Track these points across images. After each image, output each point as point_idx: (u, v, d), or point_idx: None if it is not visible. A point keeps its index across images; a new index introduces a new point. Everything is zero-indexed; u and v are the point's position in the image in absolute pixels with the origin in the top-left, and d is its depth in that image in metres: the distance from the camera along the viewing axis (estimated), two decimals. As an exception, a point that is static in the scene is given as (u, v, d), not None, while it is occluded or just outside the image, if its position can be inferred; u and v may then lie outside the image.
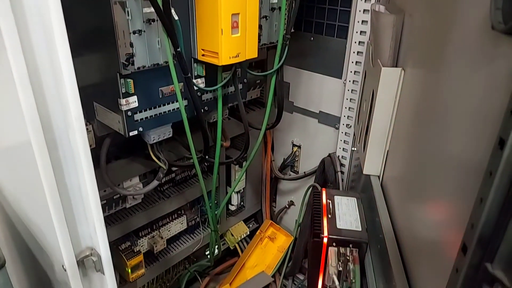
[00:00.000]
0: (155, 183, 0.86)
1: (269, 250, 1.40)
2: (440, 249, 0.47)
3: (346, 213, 0.74)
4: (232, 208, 1.32)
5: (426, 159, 0.56)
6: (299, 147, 1.31)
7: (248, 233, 1.40)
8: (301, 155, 1.32)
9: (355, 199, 0.78)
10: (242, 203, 1.34)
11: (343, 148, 1.11)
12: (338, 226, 0.71)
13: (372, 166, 0.78)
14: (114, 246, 1.01)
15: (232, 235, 1.36)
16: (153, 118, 0.74)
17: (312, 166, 1.27)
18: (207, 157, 0.86)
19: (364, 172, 0.79)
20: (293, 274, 1.41)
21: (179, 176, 1.14)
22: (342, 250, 0.69)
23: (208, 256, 1.31)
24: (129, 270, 1.01)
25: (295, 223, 1.38)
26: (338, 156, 1.13)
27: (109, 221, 0.99)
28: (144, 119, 0.73)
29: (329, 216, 0.73)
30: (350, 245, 0.68)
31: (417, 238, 0.57)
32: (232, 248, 1.37)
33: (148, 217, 1.06)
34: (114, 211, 1.00)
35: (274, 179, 1.42)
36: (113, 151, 0.94)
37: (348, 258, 0.69)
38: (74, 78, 0.45)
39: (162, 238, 1.12)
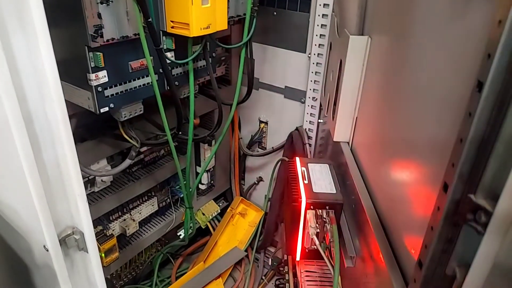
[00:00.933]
0: (127, 162, 0.84)
1: (240, 226, 1.43)
2: (414, 201, 0.51)
3: (320, 178, 0.77)
4: (202, 187, 1.32)
5: (395, 122, 0.60)
6: (266, 123, 1.33)
7: (219, 211, 1.42)
8: (268, 131, 1.34)
9: (327, 165, 0.81)
10: (212, 181, 1.34)
11: (310, 121, 1.15)
12: (314, 190, 0.74)
13: (341, 133, 0.82)
14: (85, 231, 0.98)
15: (203, 214, 1.37)
16: (124, 94, 0.72)
17: (279, 141, 1.30)
18: (180, 133, 0.85)
19: (335, 139, 0.83)
20: (265, 247, 1.45)
21: (148, 157, 1.12)
22: (319, 212, 0.72)
23: (181, 236, 1.31)
24: (103, 255, 0.99)
25: (265, 198, 1.42)
26: (305, 129, 1.16)
27: (78, 206, 0.95)
28: (114, 94, 0.70)
29: (305, 182, 0.76)
30: (327, 207, 0.72)
31: (389, 194, 0.61)
32: (203, 227, 1.38)
33: (118, 200, 1.04)
34: (83, 195, 0.96)
35: (243, 156, 1.44)
36: (78, 133, 0.90)
37: (325, 220, 0.73)
38: (50, 46, 0.42)
39: (134, 220, 1.11)
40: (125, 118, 0.76)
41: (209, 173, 1.30)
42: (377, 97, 0.70)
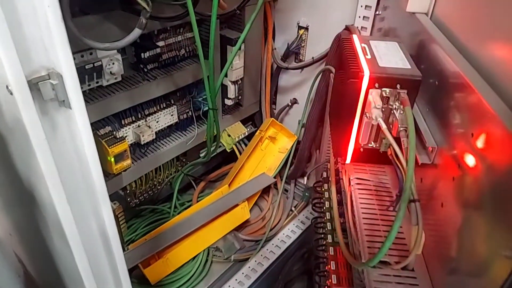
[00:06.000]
0: (136, 31, 0.67)
1: (269, 152, 1.27)
2: None
3: (388, 54, 0.57)
4: (229, 102, 1.15)
5: None
6: (306, 28, 1.12)
7: (246, 134, 1.26)
8: (308, 39, 1.13)
9: (396, 43, 0.61)
10: (239, 97, 1.17)
11: (364, 17, 0.93)
12: (381, 65, 0.54)
13: (419, -1, 0.61)
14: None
15: (229, 136, 1.21)
16: None
17: (321, 51, 1.09)
18: None
19: (408, 9, 0.62)
20: (295, 177, 1.30)
21: (166, 55, 0.95)
22: (385, 93, 0.53)
23: (201, 155, 1.17)
24: (112, 159, 0.85)
25: (298, 123, 1.24)
26: (358, 27, 0.94)
27: (83, 99, 0.81)
28: None
29: (367, 57, 0.56)
30: (398, 85, 0.52)
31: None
32: (229, 150, 1.23)
33: (131, 100, 0.89)
34: (88, 88, 0.81)
35: (275, 73, 1.25)
36: (78, 2, 0.73)
37: (391, 106, 0.54)
38: None
39: (149, 127, 0.96)
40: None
41: (236, 86, 1.12)
42: None
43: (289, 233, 1.16)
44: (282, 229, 1.18)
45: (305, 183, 1.27)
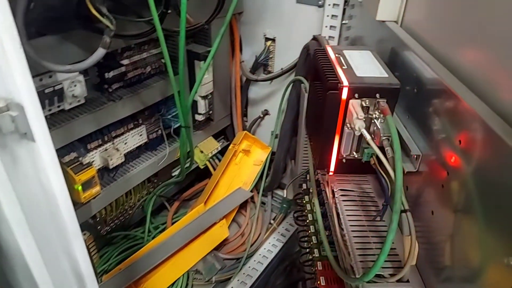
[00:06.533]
0: (100, 51, 0.63)
1: (244, 165, 1.24)
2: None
3: (364, 63, 0.57)
4: (199, 118, 1.11)
5: None
6: (273, 40, 1.11)
7: (219, 148, 1.23)
8: (276, 50, 1.13)
9: (369, 51, 0.61)
10: (210, 111, 1.14)
11: (331, 26, 0.94)
12: (359, 75, 0.54)
13: (388, 7, 0.61)
14: (55, 158, 0.78)
15: (202, 152, 1.18)
16: None
17: (289, 62, 1.09)
18: (169, 12, 0.64)
19: (378, 18, 0.63)
20: (272, 189, 1.28)
21: (132, 73, 0.90)
22: (365, 103, 0.53)
23: (174, 175, 1.12)
24: (80, 188, 0.79)
25: (271, 134, 1.23)
26: (326, 37, 0.95)
27: (43, 125, 0.75)
28: None
29: (344, 67, 0.56)
30: (377, 94, 0.52)
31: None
32: (202, 167, 1.19)
33: (96, 122, 0.84)
34: (49, 113, 0.76)
35: (245, 85, 1.23)
36: (34, 22, 0.68)
37: (371, 115, 0.53)
38: None
39: (118, 150, 0.91)
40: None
41: (206, 101, 1.09)
42: None
43: (270, 247, 1.14)
44: (262, 244, 1.15)
45: (285, 195, 1.25)
